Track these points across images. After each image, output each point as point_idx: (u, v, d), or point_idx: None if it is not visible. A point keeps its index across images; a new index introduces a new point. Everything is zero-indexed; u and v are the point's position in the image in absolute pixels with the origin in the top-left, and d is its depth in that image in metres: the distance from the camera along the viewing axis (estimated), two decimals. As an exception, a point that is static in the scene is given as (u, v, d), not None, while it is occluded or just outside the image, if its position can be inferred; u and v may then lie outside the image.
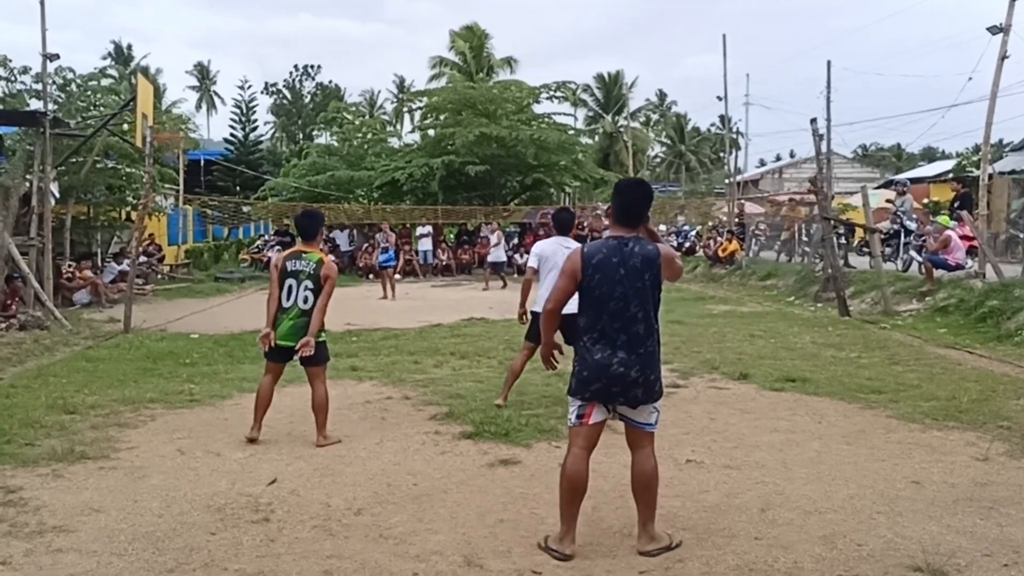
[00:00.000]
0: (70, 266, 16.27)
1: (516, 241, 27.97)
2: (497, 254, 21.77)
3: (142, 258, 19.77)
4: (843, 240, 17.57)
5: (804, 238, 19.61)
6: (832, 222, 14.73)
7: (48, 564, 3.92)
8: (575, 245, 6.52)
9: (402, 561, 3.99)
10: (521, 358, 7.25)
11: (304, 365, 6.17)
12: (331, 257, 6.52)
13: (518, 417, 6.59)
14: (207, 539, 4.24)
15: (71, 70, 17.74)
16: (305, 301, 5.99)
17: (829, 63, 29.17)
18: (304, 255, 6.07)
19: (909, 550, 4.01)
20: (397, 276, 24.16)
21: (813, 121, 14.26)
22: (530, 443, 5.97)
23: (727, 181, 30.76)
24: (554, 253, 6.72)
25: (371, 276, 24.61)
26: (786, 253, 21.22)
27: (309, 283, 5.99)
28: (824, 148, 14.77)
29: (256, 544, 4.19)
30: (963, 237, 14.09)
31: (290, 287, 6.01)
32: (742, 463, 5.49)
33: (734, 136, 39.10)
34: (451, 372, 8.89)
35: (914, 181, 27.18)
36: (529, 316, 7.16)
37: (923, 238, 15.80)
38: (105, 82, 18.90)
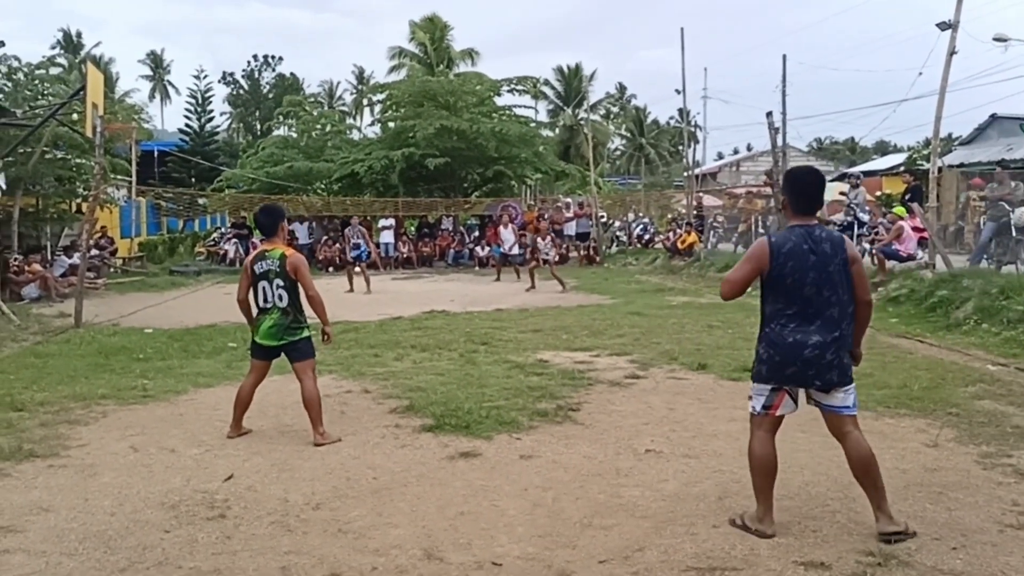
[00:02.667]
0: (17, 260, 15.86)
1: (477, 234, 27.95)
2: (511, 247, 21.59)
3: (93, 251, 19.34)
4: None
5: (761, 230, 19.87)
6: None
7: (-5, 565, 3.82)
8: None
9: (361, 555, 3.97)
10: None
11: (291, 361, 6.09)
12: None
13: (479, 410, 6.58)
14: (161, 537, 4.18)
15: (16, 58, 17.35)
16: (280, 299, 5.96)
17: (784, 57, 29.69)
18: (267, 254, 6.01)
19: (862, 535, 4.09)
20: (357, 269, 24.00)
21: (769, 115, 14.46)
22: (491, 435, 5.97)
23: (686, 174, 31.05)
24: None
25: (331, 269, 24.39)
26: (743, 245, 21.46)
27: (280, 281, 5.94)
28: (780, 141, 14.93)
29: (212, 541, 4.13)
30: (914, 229, 14.40)
31: (263, 288, 5.98)
32: (700, 452, 5.55)
33: (692, 129, 39.49)
34: (412, 365, 8.85)
35: (867, 174, 27.67)
36: None
37: (876, 230, 16.12)
38: (54, 71, 18.43)
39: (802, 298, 4.06)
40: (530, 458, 5.47)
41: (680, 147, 56.60)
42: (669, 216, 28.40)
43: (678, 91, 25.04)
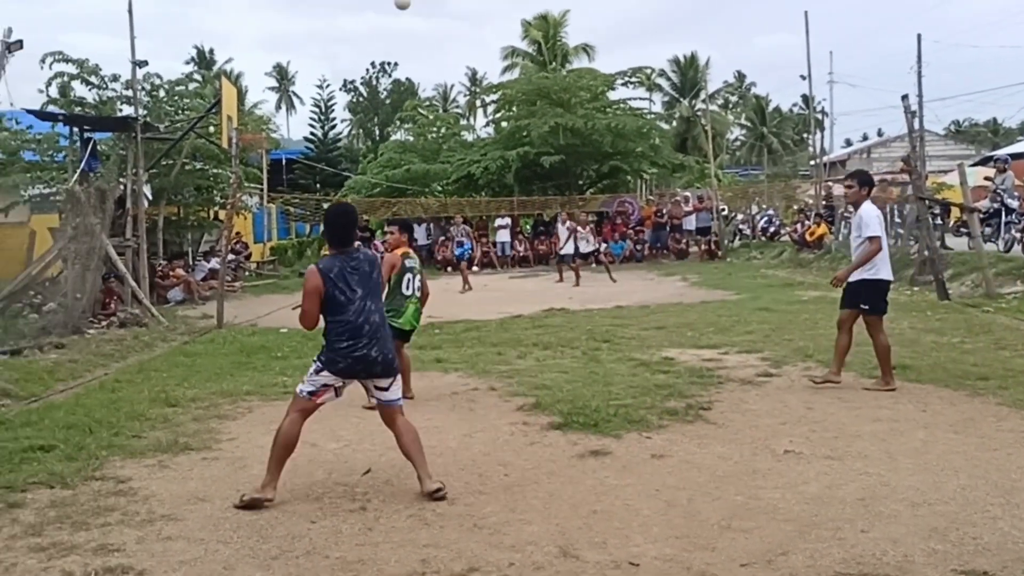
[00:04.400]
0: (163, 265, 16.89)
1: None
2: (568, 247, 21.54)
3: (230, 256, 20.41)
4: (939, 221, 16.83)
5: (897, 219, 18.88)
6: (927, 202, 14.13)
7: (159, 551, 4.06)
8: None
9: (498, 551, 4.00)
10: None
11: (404, 340, 7.14)
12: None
13: (606, 408, 6.51)
14: (308, 527, 4.34)
15: (158, 76, 18.45)
16: (416, 291, 7.24)
17: (919, 36, 27.93)
18: (409, 255, 7.35)
19: (1029, 543, 3.82)
20: (475, 268, 24.37)
21: (905, 98, 13.71)
22: (620, 434, 5.90)
23: (812, 163, 29.88)
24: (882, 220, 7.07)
25: (449, 269, 24.84)
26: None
27: (419, 277, 7.30)
28: (917, 125, 14.12)
29: (355, 532, 4.26)
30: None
31: (408, 280, 7.15)
32: (843, 453, 5.31)
33: (818, 116, 38.01)
34: (535, 363, 8.87)
35: (1014, 157, 25.83)
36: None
37: (1026, 216, 15.04)
38: (192, 86, 19.49)
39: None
40: (662, 457, 5.39)
41: (805, 135, 54.55)
42: (795, 207, 27.39)
43: (803, 77, 24.30)
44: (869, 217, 7.00)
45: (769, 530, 4.13)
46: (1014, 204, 15.40)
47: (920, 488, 4.61)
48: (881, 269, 7.00)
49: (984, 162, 27.98)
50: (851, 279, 7.11)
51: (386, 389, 4.95)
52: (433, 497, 4.63)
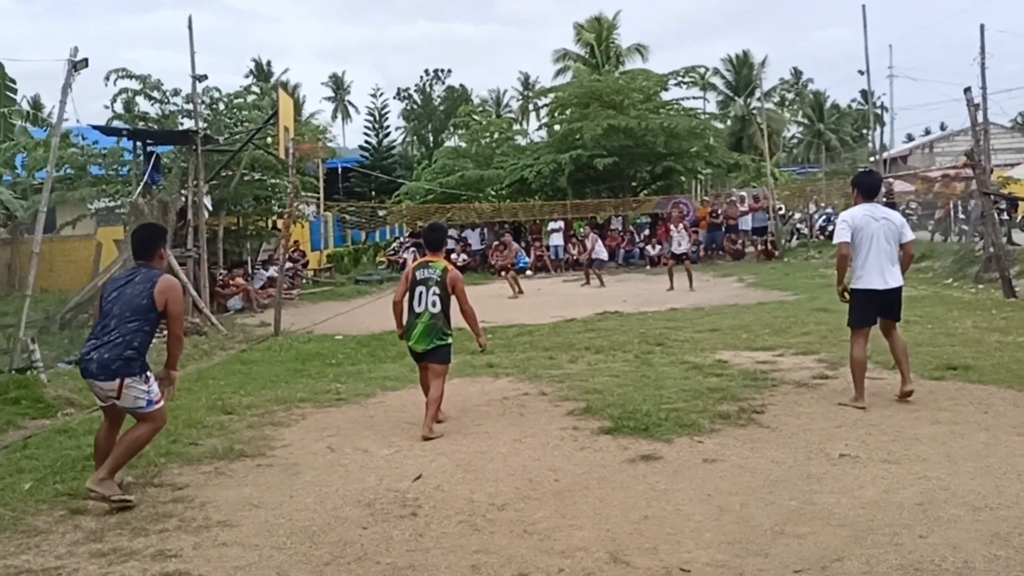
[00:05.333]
0: (223, 274, 17.28)
1: (648, 232, 27.58)
2: (598, 251, 21.43)
3: (288, 264, 20.80)
4: (1004, 216, 16.29)
5: (961, 216, 18.35)
6: (993, 197, 13.69)
7: (215, 557, 4.16)
8: (889, 213, 6.72)
9: (548, 557, 3.99)
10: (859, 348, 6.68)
11: (431, 362, 6.55)
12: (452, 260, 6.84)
13: (657, 412, 6.47)
14: (359, 533, 4.39)
15: (217, 89, 18.93)
16: (434, 305, 6.43)
17: (982, 27, 27.10)
18: (431, 264, 6.55)
19: (1098, 552, 3.67)
20: (529, 272, 24.41)
21: (967, 90, 13.32)
22: (671, 438, 5.85)
23: (872, 159, 29.15)
24: (866, 223, 6.60)
25: (503, 274, 24.91)
26: (941, 232, 19.93)
27: (436, 289, 6.43)
28: (980, 118, 13.70)
29: (406, 538, 4.30)
30: None
31: (420, 294, 6.46)
32: (901, 457, 5.18)
33: (878, 111, 37.12)
34: (586, 367, 8.84)
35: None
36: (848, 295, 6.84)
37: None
38: (250, 99, 19.93)
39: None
40: (714, 462, 5.32)
41: (864, 131, 53.22)
42: (854, 205, 26.74)
43: (861, 72, 23.72)
44: (838, 221, 6.86)
45: (824, 536, 4.05)
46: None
47: (981, 492, 4.48)
48: (863, 277, 6.57)
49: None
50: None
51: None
52: None
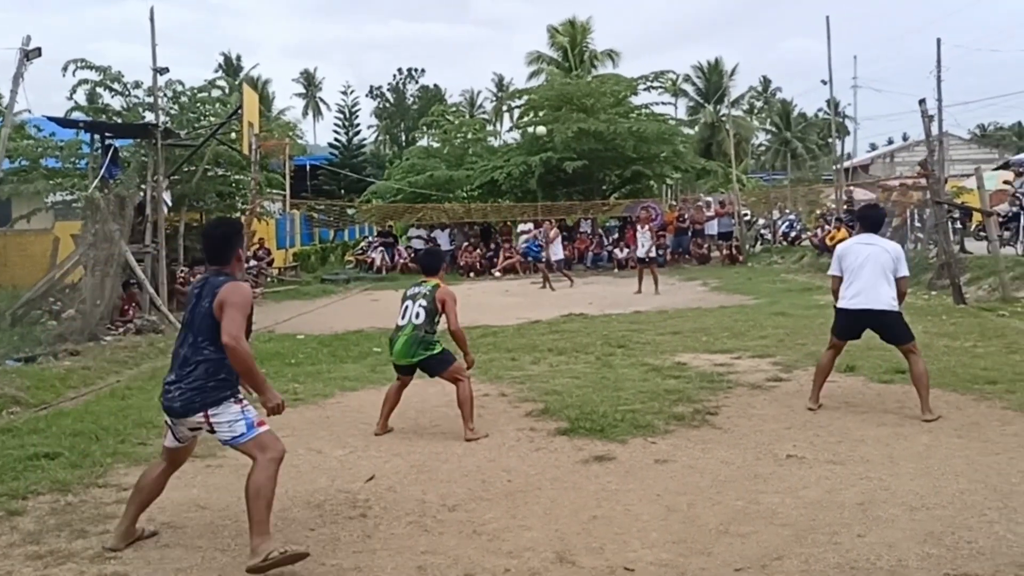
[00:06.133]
0: (183, 272, 17.03)
1: (616, 235, 27.74)
2: (555, 251, 21.54)
3: (252, 262, 20.60)
4: (959, 225, 16.64)
5: (917, 223, 18.69)
6: (946, 206, 13.97)
7: (156, 559, 4.11)
8: (887, 244, 6.72)
9: (495, 557, 4.02)
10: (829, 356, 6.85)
11: (434, 375, 6.48)
12: None
13: (614, 413, 6.53)
14: (306, 535, 4.37)
15: (180, 83, 18.68)
16: (417, 316, 6.30)
17: (939, 41, 27.70)
18: (424, 283, 6.48)
19: (1022, 547, 3.81)
20: (496, 273, 24.43)
21: (922, 102, 13.57)
22: (625, 439, 5.91)
23: (835, 167, 29.56)
24: (856, 251, 6.63)
25: (471, 275, 24.90)
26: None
27: (423, 302, 6.32)
28: (935, 130, 13.99)
29: (353, 540, 4.30)
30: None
31: (406, 308, 6.38)
32: (846, 458, 5.29)
33: (842, 120, 37.67)
34: (548, 368, 8.88)
35: (1037, 160, 25.50)
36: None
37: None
38: (215, 93, 19.70)
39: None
40: (665, 462, 5.38)
41: (830, 140, 54.09)
42: (818, 212, 27.13)
43: (824, 82, 24.01)
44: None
45: (766, 535, 4.12)
46: (1034, 208, 15.23)
47: (919, 492, 4.59)
48: (843, 298, 6.61)
49: (1006, 166, 27.60)
50: None
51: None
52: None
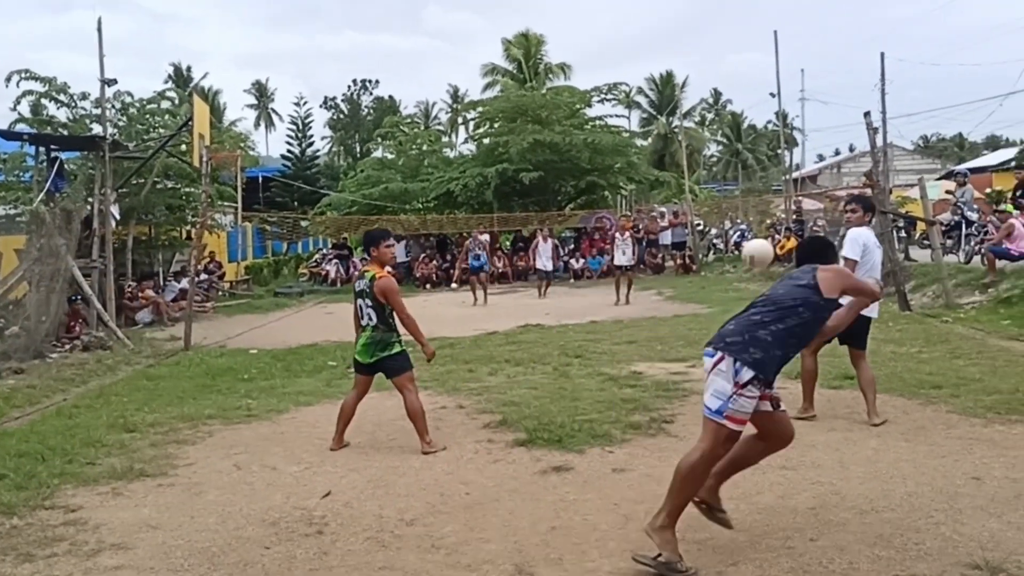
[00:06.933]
0: (131, 286, 16.69)
1: (572, 247, 27.89)
2: (543, 262, 21.63)
3: (203, 275, 20.25)
4: (904, 234, 17.08)
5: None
6: (891, 216, 14.34)
7: (107, 582, 4.01)
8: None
9: (453, 571, 4.00)
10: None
11: (388, 377, 6.35)
12: (387, 269, 6.59)
13: (571, 423, 6.54)
14: (261, 553, 4.30)
15: (129, 94, 18.35)
16: (370, 319, 6.22)
17: (883, 55, 28.43)
18: (364, 274, 6.30)
19: (968, 548, 3.91)
20: (453, 285, 24.38)
21: (867, 114, 13.93)
22: (583, 449, 5.93)
23: (784, 178, 30.17)
24: (870, 243, 6.61)
25: (427, 286, 24.82)
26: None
27: (368, 301, 6.20)
28: (880, 141, 14.37)
29: (309, 557, 4.23)
30: (1026, 226, 13.63)
31: (360, 306, 6.31)
32: (798, 463, 5.36)
33: (790, 132, 38.47)
34: (506, 379, 8.88)
35: (977, 170, 26.41)
36: None
37: (985, 229, 15.33)
38: (164, 104, 19.39)
39: None
40: (623, 471, 5.41)
41: (779, 151, 55.22)
42: (768, 222, 27.63)
43: (773, 95, 24.54)
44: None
45: (722, 540, 4.17)
46: (973, 217, 15.73)
47: (869, 496, 4.68)
48: None
49: (948, 176, 28.47)
50: None
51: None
52: None
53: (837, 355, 8.85)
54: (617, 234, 18.58)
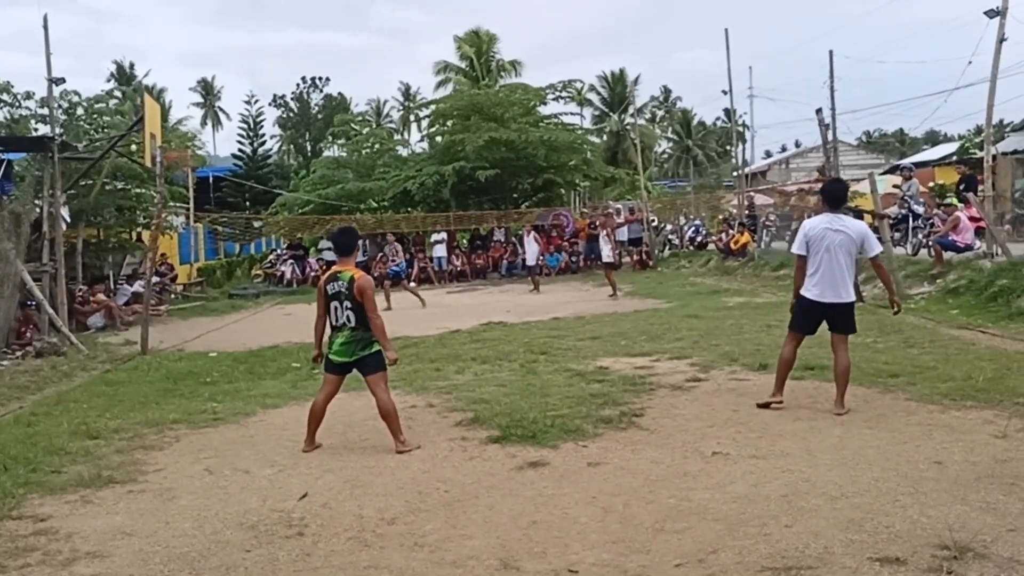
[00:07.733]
0: (82, 290, 16.29)
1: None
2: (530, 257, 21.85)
3: (155, 278, 19.86)
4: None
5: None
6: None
7: (86, 591, 3.95)
8: (851, 225, 6.52)
9: (439, 568, 4.02)
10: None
11: (363, 375, 6.32)
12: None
13: (543, 419, 6.60)
14: (243, 557, 4.27)
15: (76, 93, 17.90)
16: (349, 320, 6.18)
17: (831, 53, 28.98)
18: (340, 275, 6.23)
19: (935, 529, 4.06)
20: (412, 283, 24.25)
21: (819, 111, 14.32)
22: (557, 444, 6.00)
23: (735, 174, 30.67)
24: (823, 235, 6.49)
25: (386, 283, 24.65)
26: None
27: (348, 303, 6.15)
28: (830, 137, 14.73)
29: (292, 559, 4.22)
30: (971, 219, 14.11)
31: (335, 308, 6.22)
32: (767, 452, 5.51)
33: (740, 129, 39.10)
34: (473, 377, 8.91)
35: (919, 165, 27.08)
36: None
37: (931, 221, 15.81)
38: (111, 103, 18.96)
39: None
40: (598, 465, 5.49)
41: (728, 147, 56.01)
42: (720, 217, 28.08)
43: (725, 92, 24.90)
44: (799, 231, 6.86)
45: (700, 530, 4.27)
46: (920, 210, 16.23)
47: (838, 482, 4.83)
48: (811, 288, 6.57)
49: (893, 170, 29.23)
50: None
51: None
52: None
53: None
54: (601, 232, 19.14)
